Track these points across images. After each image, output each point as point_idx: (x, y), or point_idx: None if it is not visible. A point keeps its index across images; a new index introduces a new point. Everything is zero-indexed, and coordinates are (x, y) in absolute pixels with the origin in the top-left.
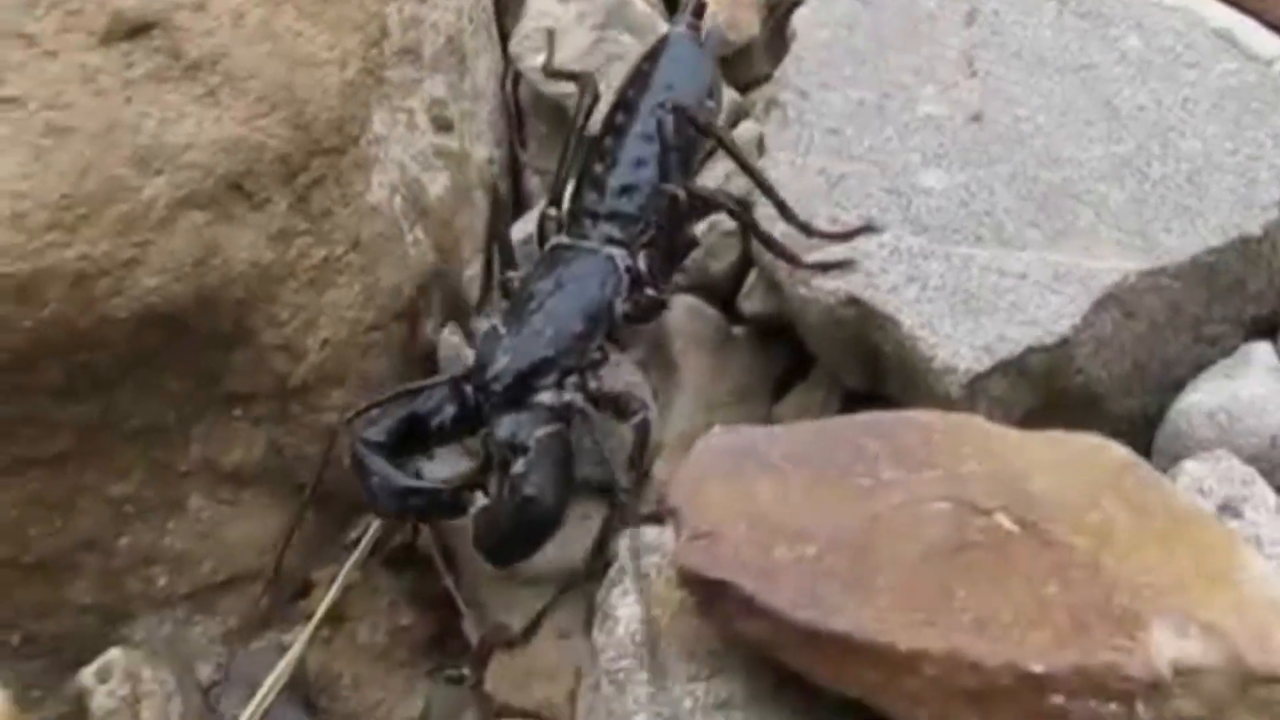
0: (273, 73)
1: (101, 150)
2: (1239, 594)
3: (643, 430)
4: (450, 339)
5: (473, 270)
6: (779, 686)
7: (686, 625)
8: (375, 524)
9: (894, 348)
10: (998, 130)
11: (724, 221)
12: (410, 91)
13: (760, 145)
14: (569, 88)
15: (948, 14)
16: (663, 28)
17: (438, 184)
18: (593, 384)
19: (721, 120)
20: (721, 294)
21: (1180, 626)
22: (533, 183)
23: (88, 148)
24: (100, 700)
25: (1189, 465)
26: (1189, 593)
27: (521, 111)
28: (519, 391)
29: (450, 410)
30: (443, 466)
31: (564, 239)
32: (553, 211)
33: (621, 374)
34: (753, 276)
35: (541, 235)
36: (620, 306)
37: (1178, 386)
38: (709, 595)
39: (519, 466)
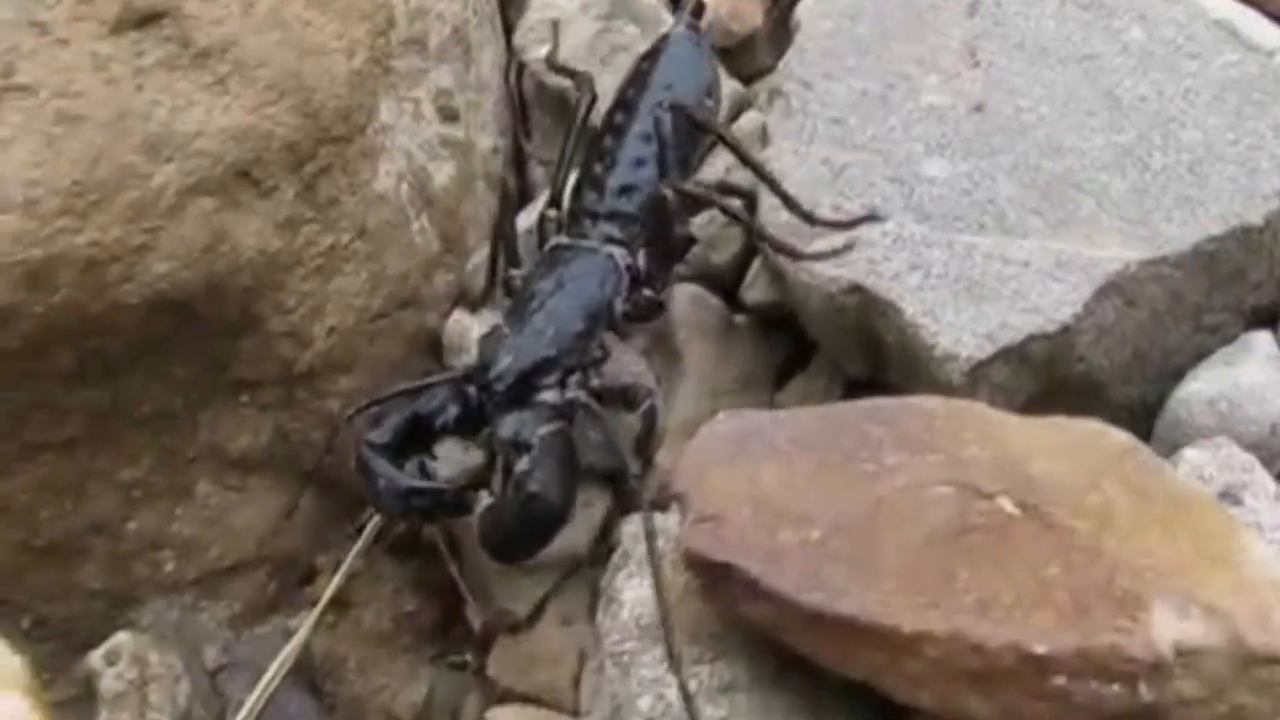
0: (281, 61)
1: (112, 138)
2: (1240, 575)
3: (650, 417)
4: (455, 326)
5: (478, 258)
6: (782, 670)
7: (691, 609)
8: None
9: (896, 335)
10: (1000, 120)
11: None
12: (416, 81)
13: (764, 135)
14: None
15: (950, 5)
16: (667, 18)
17: (443, 173)
18: (595, 381)
19: (721, 118)
20: (724, 284)
21: (1181, 608)
22: (537, 173)
23: (99, 135)
24: (109, 683)
25: (1189, 453)
26: (1190, 574)
27: (525, 103)
28: (522, 390)
29: (453, 410)
30: (446, 465)
31: (564, 239)
32: (552, 212)
33: (626, 363)
34: (755, 267)
35: (541, 235)
36: (620, 305)
37: (1178, 375)
38: (714, 578)
39: (523, 465)
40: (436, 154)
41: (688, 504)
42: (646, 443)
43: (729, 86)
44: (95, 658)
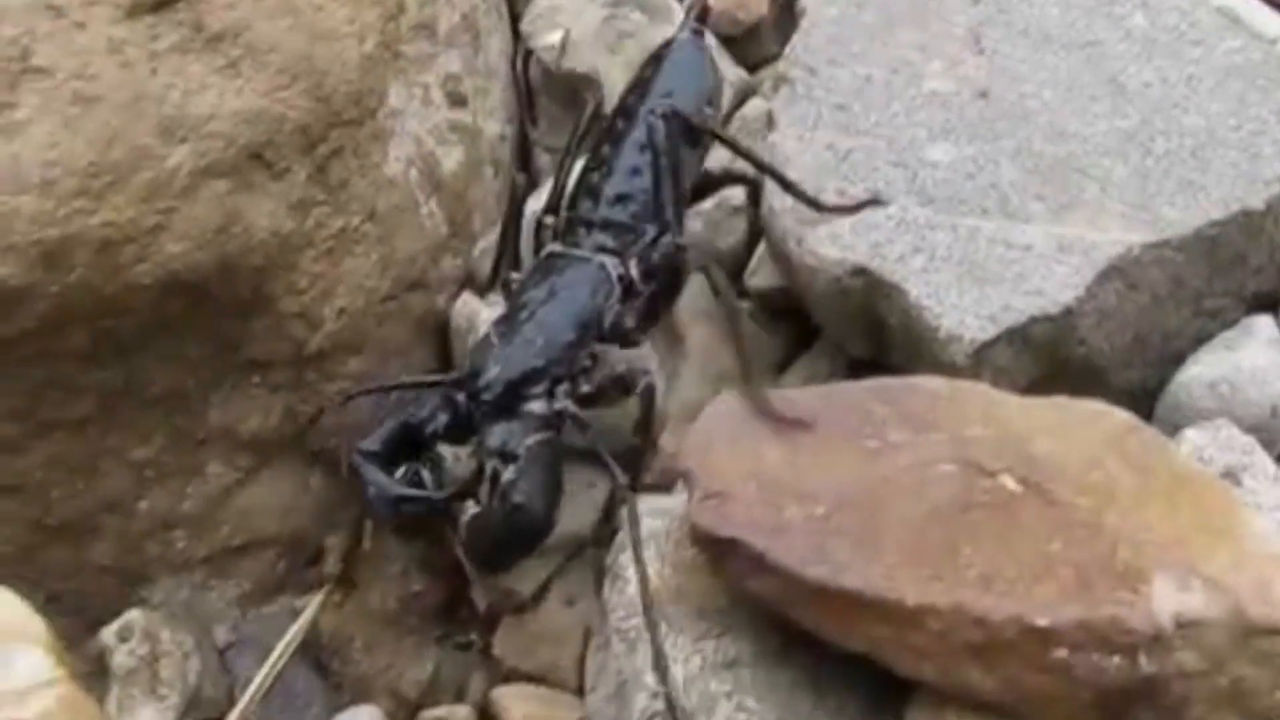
0: (293, 46)
1: (127, 120)
2: (1240, 549)
3: (648, 396)
4: (463, 308)
5: (485, 243)
6: (786, 645)
7: (696, 586)
8: None
9: (900, 317)
10: (1004, 106)
11: (731, 198)
12: (426, 66)
13: (769, 120)
14: (580, 67)
15: None
16: (674, 6)
17: (452, 158)
18: (585, 387)
19: (721, 120)
20: (728, 270)
21: (1182, 580)
22: (543, 160)
23: (114, 117)
24: (121, 659)
25: (1190, 434)
26: (1191, 548)
27: (532, 90)
28: (509, 400)
29: (443, 418)
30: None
31: (558, 247)
32: (549, 219)
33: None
34: (759, 253)
35: (537, 242)
36: (611, 315)
37: (1178, 360)
38: (720, 554)
39: (509, 474)
40: (445, 139)
41: (693, 481)
42: (647, 421)
43: (734, 74)
44: (108, 634)
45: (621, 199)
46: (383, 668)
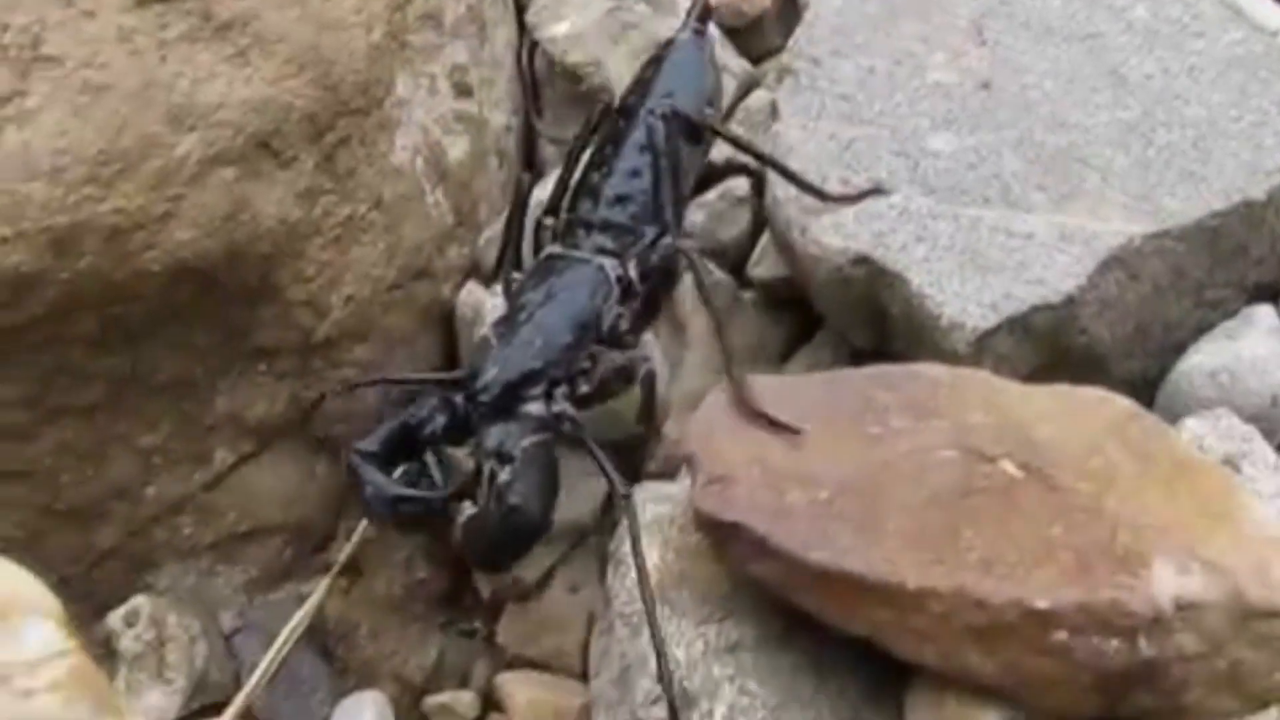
0: (301, 35)
1: (137, 108)
2: (1239, 533)
3: (649, 383)
4: (469, 297)
5: (490, 232)
6: (789, 629)
7: (699, 571)
8: None
9: (902, 306)
10: (1006, 96)
11: (735, 189)
12: (432, 57)
13: (773, 111)
14: (585, 58)
15: None
16: None
17: (457, 148)
18: (584, 387)
19: (721, 119)
20: (731, 260)
21: (1182, 564)
22: (547, 151)
23: (124, 105)
24: (127, 644)
25: (1190, 422)
26: (1190, 532)
27: (537, 81)
28: (507, 402)
29: (441, 419)
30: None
31: (557, 248)
32: (549, 220)
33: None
34: (763, 243)
35: (537, 243)
36: (609, 317)
37: (1179, 350)
38: (723, 538)
39: (505, 476)
40: (451, 129)
41: (697, 466)
42: (649, 408)
43: (738, 65)
44: (115, 619)
45: (621, 200)
46: (388, 654)
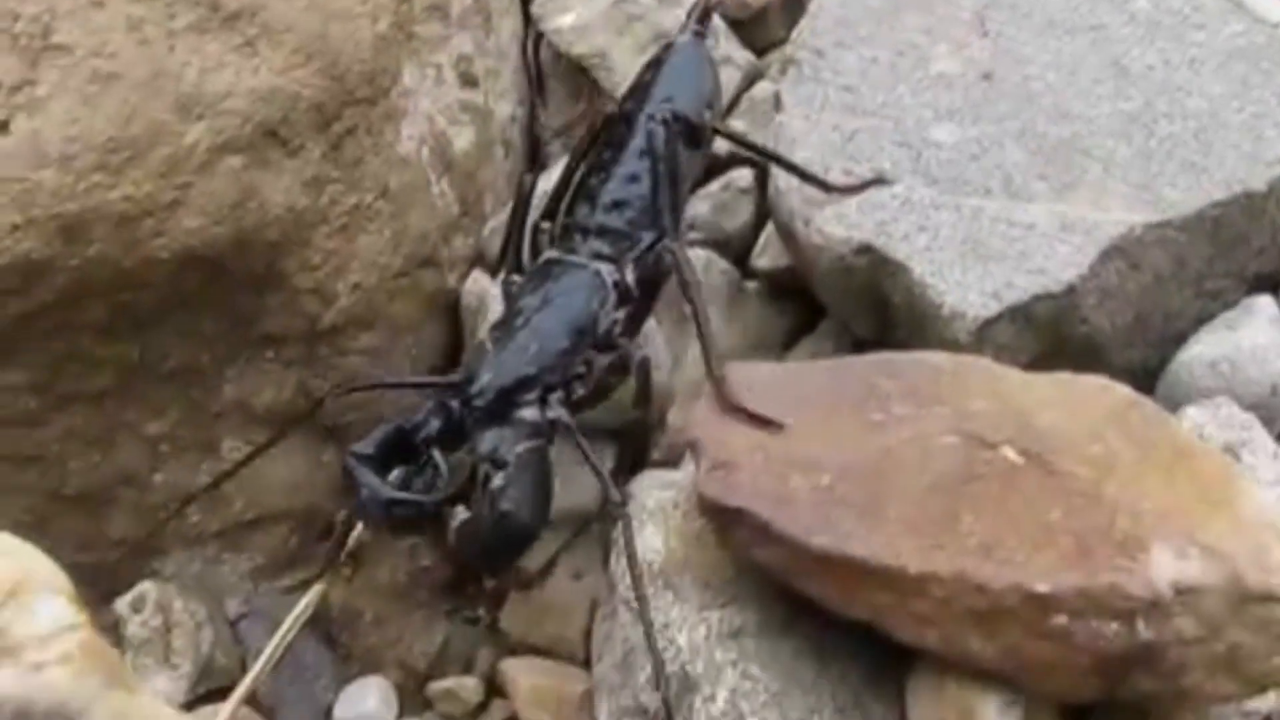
0: (308, 25)
1: (146, 97)
2: (1238, 518)
3: (643, 369)
4: (474, 286)
5: (495, 222)
6: (790, 615)
7: (703, 557)
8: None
9: (904, 295)
10: (1008, 88)
11: (739, 179)
12: (438, 47)
13: (776, 102)
14: (590, 49)
15: None
16: None
17: (463, 138)
18: (580, 391)
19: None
20: (735, 250)
21: (1180, 549)
22: (552, 143)
23: (133, 94)
24: (134, 629)
25: (1190, 411)
26: (1189, 517)
27: (542, 73)
28: (501, 407)
29: (436, 423)
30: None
31: (555, 253)
32: (546, 225)
33: None
34: (766, 233)
35: (535, 247)
36: (605, 322)
37: (1179, 340)
38: (726, 523)
39: (497, 481)
40: (457, 119)
41: (701, 452)
42: (645, 393)
43: (743, 57)
44: (121, 605)
45: (618, 205)
46: (392, 640)
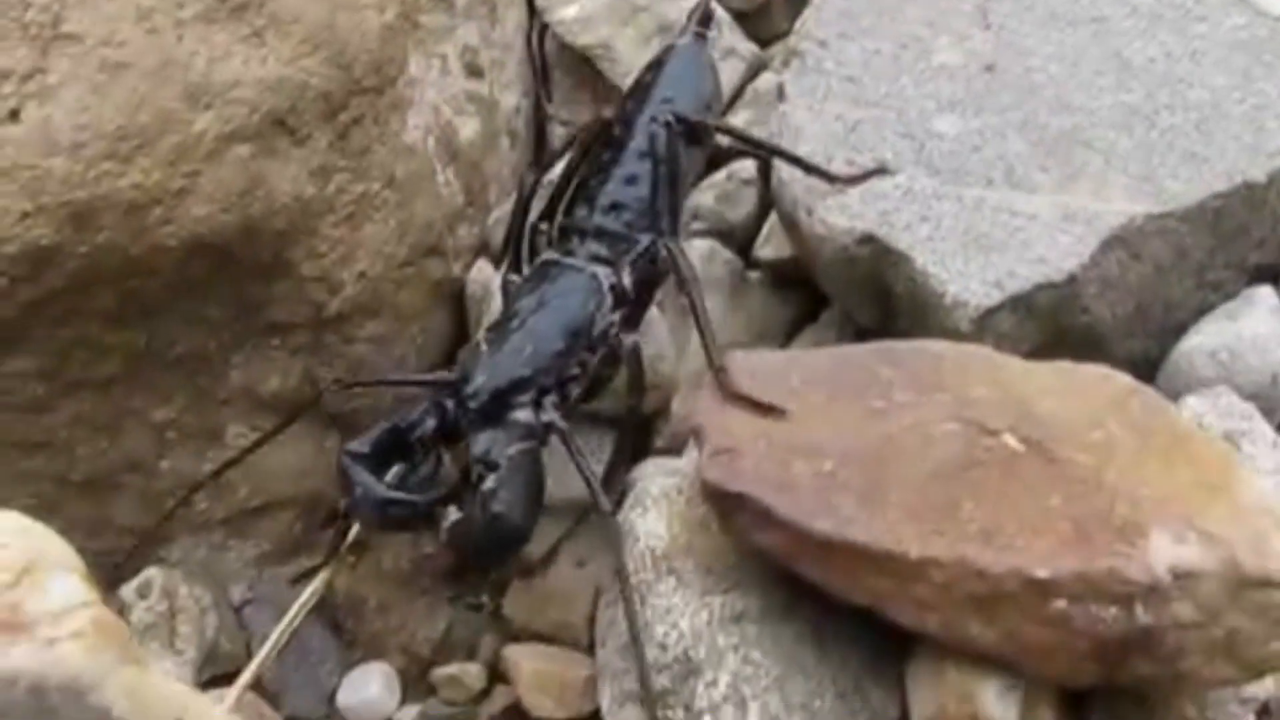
0: (315, 15)
1: (155, 85)
2: (1236, 504)
3: (634, 355)
4: (479, 275)
5: (499, 212)
6: (792, 600)
7: (705, 542)
8: None
9: (906, 284)
10: (1010, 79)
11: (742, 170)
12: (444, 37)
13: (780, 93)
14: (595, 41)
15: None
16: None
17: (468, 128)
18: (575, 391)
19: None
20: (738, 240)
21: (1179, 534)
22: (557, 134)
23: (142, 83)
24: (140, 615)
25: (1190, 400)
26: (1188, 503)
27: (546, 64)
28: (495, 408)
29: (431, 423)
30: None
31: (552, 254)
32: (544, 226)
33: None
34: (769, 224)
35: (533, 248)
36: (601, 325)
37: (1179, 331)
38: (729, 509)
39: (490, 483)
40: (462, 109)
41: (704, 438)
42: (637, 380)
43: (746, 49)
44: (128, 590)
45: (616, 207)
46: (395, 627)
